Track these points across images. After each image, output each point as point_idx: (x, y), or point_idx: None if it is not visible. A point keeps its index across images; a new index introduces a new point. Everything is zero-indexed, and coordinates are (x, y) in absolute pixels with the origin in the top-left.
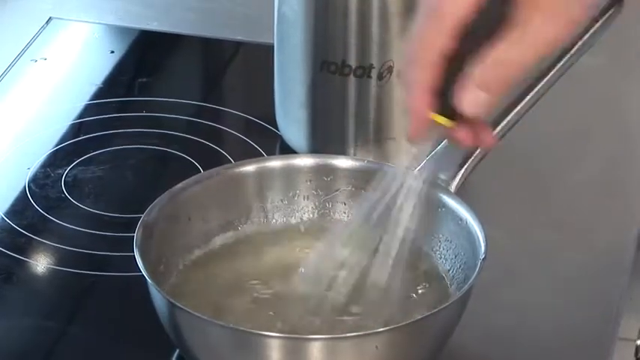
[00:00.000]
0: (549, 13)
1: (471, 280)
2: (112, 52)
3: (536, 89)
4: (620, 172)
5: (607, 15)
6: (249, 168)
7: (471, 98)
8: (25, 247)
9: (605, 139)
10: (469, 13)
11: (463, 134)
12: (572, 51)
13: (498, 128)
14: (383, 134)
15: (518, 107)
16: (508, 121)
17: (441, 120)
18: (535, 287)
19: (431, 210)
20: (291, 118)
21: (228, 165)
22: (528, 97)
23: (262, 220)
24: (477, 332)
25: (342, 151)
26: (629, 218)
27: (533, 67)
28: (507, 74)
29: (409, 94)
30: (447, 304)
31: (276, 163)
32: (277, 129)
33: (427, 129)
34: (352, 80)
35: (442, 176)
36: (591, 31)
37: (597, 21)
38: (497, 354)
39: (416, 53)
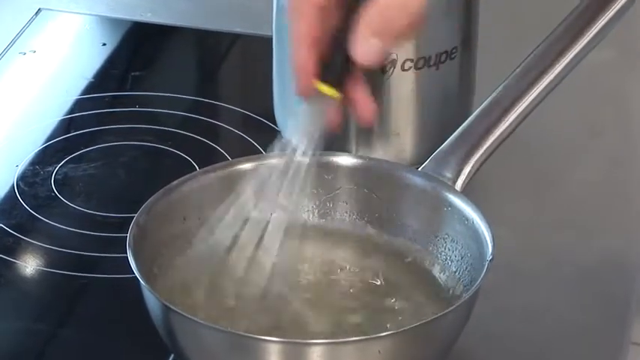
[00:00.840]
0: None
1: (478, 282)
2: (104, 44)
3: (543, 85)
4: (630, 170)
5: (616, 8)
6: (247, 166)
7: (364, 47)
8: (13, 248)
9: (615, 136)
10: None
11: (336, 113)
12: (581, 45)
13: (506, 124)
14: (386, 130)
15: (526, 103)
16: (515, 118)
17: (327, 90)
18: (543, 289)
19: (436, 209)
20: (290, 113)
21: (225, 162)
22: (535, 94)
23: (261, 219)
24: (483, 336)
25: (343, 148)
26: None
27: (421, 12)
28: (395, 19)
29: (292, 48)
30: (453, 307)
31: (274, 160)
32: (276, 124)
33: (313, 85)
34: None
35: (447, 174)
36: (600, 25)
37: (607, 15)
38: (504, 357)
39: (294, 4)
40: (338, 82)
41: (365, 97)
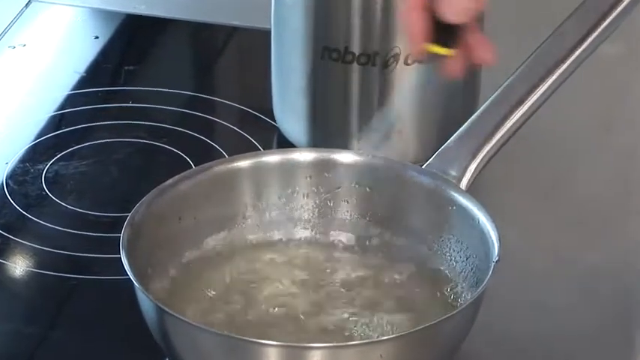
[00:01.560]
0: None
1: (484, 283)
2: (97, 37)
3: (551, 80)
4: None
5: (626, 1)
6: (244, 163)
7: (455, 5)
8: (2, 249)
9: (625, 132)
10: None
11: (458, 63)
12: (591, 39)
13: (513, 120)
14: (388, 127)
15: (533, 99)
16: (523, 114)
17: (439, 50)
18: (551, 290)
19: (440, 209)
20: (290, 109)
21: (222, 160)
22: (543, 89)
23: (258, 218)
24: (489, 339)
25: (344, 145)
26: None
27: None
28: None
29: (403, 14)
30: (459, 309)
31: (273, 157)
32: (274, 121)
33: (426, 48)
34: (355, 68)
35: (452, 172)
36: (611, 17)
37: (617, 7)
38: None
39: None
40: (449, 39)
41: (481, 39)
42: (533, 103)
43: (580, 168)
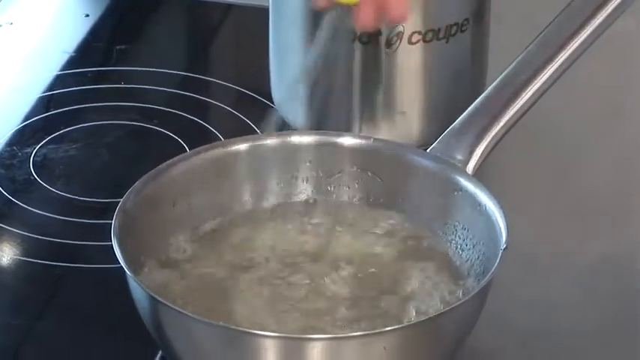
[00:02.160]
0: None
1: (491, 272)
2: (87, 15)
3: (560, 60)
4: None
5: None
6: (241, 147)
7: None
8: None
9: (638, 116)
10: None
11: (366, 12)
12: (603, 17)
13: (521, 102)
14: (392, 108)
15: (542, 80)
16: (531, 95)
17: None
18: (560, 281)
19: (446, 194)
20: (289, 90)
21: (217, 143)
22: (553, 69)
23: (256, 205)
24: (496, 331)
25: (346, 128)
26: None
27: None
28: None
29: None
30: (464, 299)
31: (271, 141)
32: (272, 102)
33: None
34: (358, 47)
35: (458, 156)
36: None
37: None
38: (518, 355)
39: None
40: None
41: None
42: (542, 85)
43: (591, 153)
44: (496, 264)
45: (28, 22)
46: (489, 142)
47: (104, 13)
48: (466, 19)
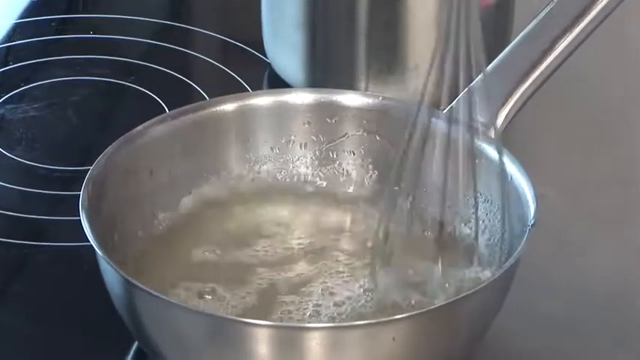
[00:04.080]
0: None
1: (517, 252)
2: None
3: (598, 8)
4: None
5: None
6: (229, 106)
7: None
8: None
9: None
10: None
11: None
12: None
13: (552, 57)
14: (403, 62)
15: (576, 31)
16: (563, 49)
17: None
18: (596, 262)
19: (465, 162)
20: (284, 40)
21: (202, 102)
22: (589, 19)
23: (246, 174)
24: (523, 320)
25: (349, 85)
26: None
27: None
28: None
29: None
30: (486, 282)
31: (264, 100)
32: (265, 55)
33: None
34: None
35: (480, 118)
36: None
37: None
38: (548, 347)
39: None
40: None
41: None
42: (575, 37)
43: (630, 117)
44: (523, 242)
45: None
46: (516, 102)
47: None
48: None
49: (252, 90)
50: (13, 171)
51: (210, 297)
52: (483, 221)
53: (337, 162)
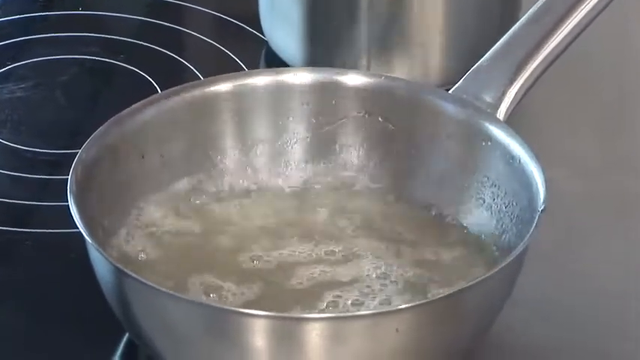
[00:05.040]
0: None
1: (526, 239)
2: None
3: None
4: None
5: None
6: (224, 87)
7: None
8: None
9: None
10: None
11: None
12: None
13: (563, 33)
14: (407, 39)
15: (589, 7)
16: (575, 26)
17: None
18: (609, 250)
19: (471, 144)
20: (282, 16)
21: (196, 82)
22: None
23: (242, 157)
24: (531, 311)
25: (351, 64)
26: None
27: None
28: None
29: None
30: (493, 271)
31: (260, 79)
32: (262, 32)
33: None
34: None
35: (487, 98)
36: None
37: None
38: (558, 340)
39: None
40: None
41: None
42: (589, 11)
43: None
44: (532, 229)
45: None
46: (524, 81)
47: None
48: None
49: (248, 69)
50: None
51: (201, 285)
52: (490, 206)
53: (337, 145)
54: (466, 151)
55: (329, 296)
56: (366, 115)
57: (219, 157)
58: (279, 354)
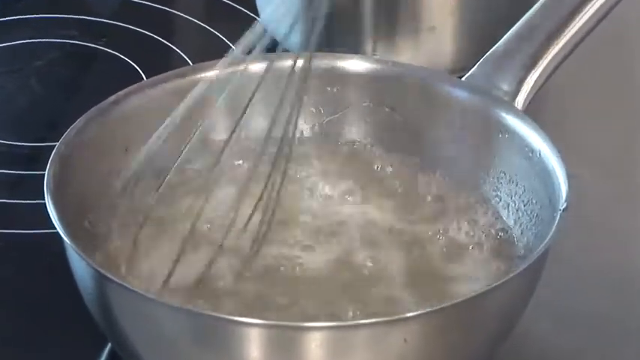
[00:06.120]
0: None
1: (546, 240)
2: None
3: None
4: None
5: None
6: (215, 73)
7: None
8: None
9: None
10: None
11: None
12: None
13: (585, 17)
14: (417, 23)
15: None
16: (599, 8)
17: None
18: (637, 252)
19: (487, 137)
20: None
21: (184, 69)
22: None
23: (235, 150)
24: (552, 319)
25: (354, 48)
26: None
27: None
28: None
29: None
30: (511, 275)
31: (255, 66)
32: (257, 14)
33: None
34: None
35: (503, 86)
36: None
37: None
38: (581, 350)
39: None
40: None
41: None
42: None
43: None
44: (553, 229)
45: None
46: (544, 68)
47: None
48: None
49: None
50: None
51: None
52: (506, 204)
53: (339, 138)
54: (481, 144)
55: None
56: (372, 105)
57: (210, 149)
58: None
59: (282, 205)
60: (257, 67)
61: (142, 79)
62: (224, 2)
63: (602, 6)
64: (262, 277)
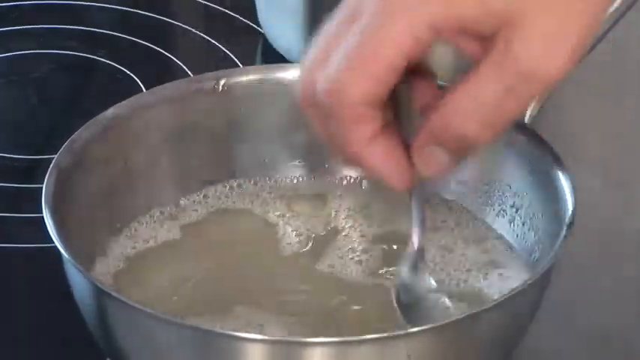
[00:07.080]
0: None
1: (551, 256)
2: None
3: None
4: None
5: None
6: (216, 85)
7: (425, 158)
8: None
9: None
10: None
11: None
12: None
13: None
14: None
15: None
16: (607, 17)
17: None
18: None
19: (491, 149)
20: (280, 6)
21: (185, 80)
22: None
23: (235, 161)
24: (558, 337)
25: None
26: None
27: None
28: (473, 125)
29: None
30: (515, 291)
31: (256, 77)
32: (258, 24)
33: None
34: None
35: None
36: None
37: None
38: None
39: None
40: None
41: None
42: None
43: None
44: (558, 244)
45: None
46: None
47: None
48: None
49: (243, 65)
50: None
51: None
52: (511, 218)
53: None
54: (485, 157)
55: None
56: None
57: (209, 160)
58: None
59: None
60: (257, 78)
61: (142, 90)
62: (224, 13)
63: (610, 15)
64: None
